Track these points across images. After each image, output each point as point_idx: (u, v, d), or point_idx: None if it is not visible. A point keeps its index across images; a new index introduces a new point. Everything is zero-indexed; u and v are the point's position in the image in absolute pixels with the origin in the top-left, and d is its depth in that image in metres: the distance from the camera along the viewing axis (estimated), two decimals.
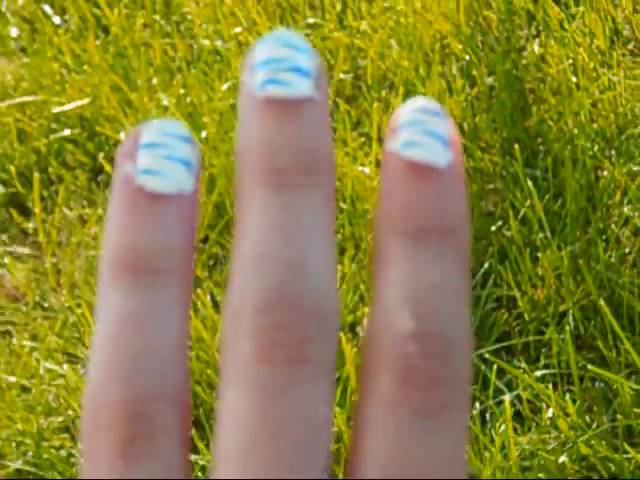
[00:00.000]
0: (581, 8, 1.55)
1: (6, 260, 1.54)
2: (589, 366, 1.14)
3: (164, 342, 0.22)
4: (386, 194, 0.23)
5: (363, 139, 1.51)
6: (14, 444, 1.29)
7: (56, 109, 1.71)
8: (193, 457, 1.15)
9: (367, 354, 0.22)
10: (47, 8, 1.92)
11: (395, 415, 0.21)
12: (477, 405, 1.18)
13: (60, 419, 1.31)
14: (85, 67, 1.76)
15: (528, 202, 1.30)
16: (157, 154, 0.24)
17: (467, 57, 1.56)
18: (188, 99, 1.66)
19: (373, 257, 0.23)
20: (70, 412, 1.31)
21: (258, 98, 0.23)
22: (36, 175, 1.60)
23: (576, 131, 1.39)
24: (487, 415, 1.17)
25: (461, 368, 0.21)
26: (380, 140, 1.48)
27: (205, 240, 1.49)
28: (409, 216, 0.23)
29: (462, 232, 0.23)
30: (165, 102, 1.65)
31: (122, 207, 0.24)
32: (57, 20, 1.90)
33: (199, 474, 1.19)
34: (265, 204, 0.23)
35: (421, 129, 0.23)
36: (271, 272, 0.22)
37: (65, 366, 1.34)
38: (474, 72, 1.53)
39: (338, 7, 1.72)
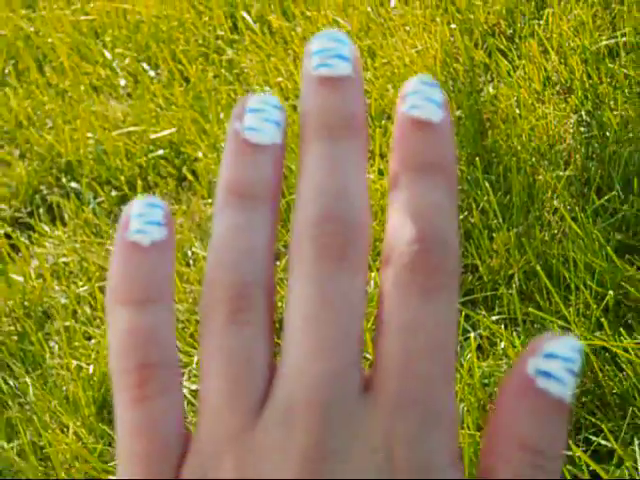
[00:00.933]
0: (522, 61, 1.54)
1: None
2: (530, 311, 1.13)
3: (259, 246, 0.22)
4: (397, 142, 0.23)
5: (369, 154, 1.50)
6: None
7: (152, 136, 1.70)
8: None
9: (385, 253, 0.22)
10: (145, 65, 1.94)
11: (406, 292, 0.21)
12: None
13: None
14: (173, 106, 1.76)
15: (486, 198, 1.29)
16: (258, 117, 0.24)
17: None
18: None
19: (389, 186, 0.23)
20: None
21: (313, 76, 0.23)
22: (139, 182, 1.61)
23: (519, 148, 1.37)
24: (457, 348, 1.17)
25: (453, 262, 0.21)
26: (381, 155, 1.49)
27: None
28: (414, 156, 0.22)
29: (452, 167, 0.22)
30: None
31: (232, 152, 0.23)
32: (152, 73, 1.90)
33: None
34: (319, 150, 0.22)
35: (422, 96, 0.23)
36: (323, 198, 0.22)
37: None
38: None
39: None
